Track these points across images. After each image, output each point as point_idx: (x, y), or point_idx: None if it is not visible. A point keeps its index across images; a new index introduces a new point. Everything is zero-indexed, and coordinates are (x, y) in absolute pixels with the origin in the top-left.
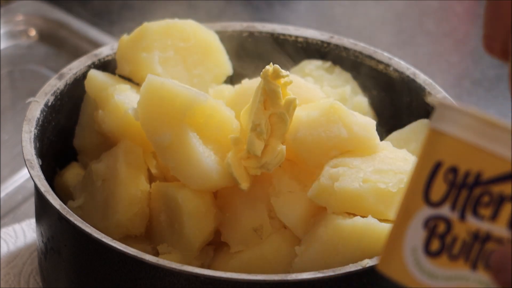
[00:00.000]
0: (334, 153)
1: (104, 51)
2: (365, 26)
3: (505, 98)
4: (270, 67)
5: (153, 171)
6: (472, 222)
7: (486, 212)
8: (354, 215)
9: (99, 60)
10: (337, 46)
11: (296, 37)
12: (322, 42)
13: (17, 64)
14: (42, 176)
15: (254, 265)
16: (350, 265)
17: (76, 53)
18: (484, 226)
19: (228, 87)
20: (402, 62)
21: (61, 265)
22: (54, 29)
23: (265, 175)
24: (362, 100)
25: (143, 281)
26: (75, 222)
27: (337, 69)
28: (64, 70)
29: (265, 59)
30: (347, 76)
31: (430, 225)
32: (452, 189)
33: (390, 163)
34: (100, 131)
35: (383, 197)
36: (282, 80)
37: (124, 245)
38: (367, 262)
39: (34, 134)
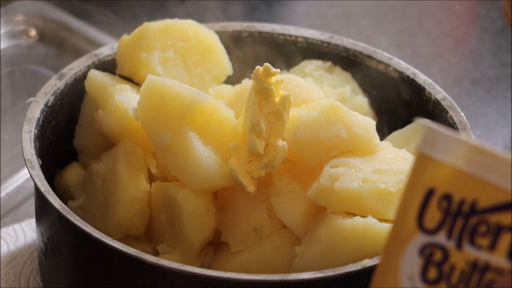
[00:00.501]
0: (334, 153)
1: (104, 51)
2: (365, 26)
3: (505, 98)
4: (260, 67)
5: (153, 171)
6: (470, 251)
7: (483, 241)
8: (354, 215)
9: (99, 60)
10: (337, 46)
11: (296, 37)
12: (322, 42)
13: (17, 64)
14: (42, 176)
15: (254, 265)
16: (350, 265)
17: (76, 53)
18: (483, 256)
19: (228, 87)
20: (402, 62)
21: (61, 265)
22: (54, 29)
23: (265, 175)
24: (362, 100)
25: (143, 281)
26: (75, 222)
27: (337, 69)
28: (64, 70)
29: (265, 59)
30: (347, 76)
31: (426, 252)
32: (447, 217)
33: (390, 163)
34: (100, 131)
35: (383, 197)
36: (274, 79)
37: (124, 245)
38: (367, 262)
39: (34, 134)
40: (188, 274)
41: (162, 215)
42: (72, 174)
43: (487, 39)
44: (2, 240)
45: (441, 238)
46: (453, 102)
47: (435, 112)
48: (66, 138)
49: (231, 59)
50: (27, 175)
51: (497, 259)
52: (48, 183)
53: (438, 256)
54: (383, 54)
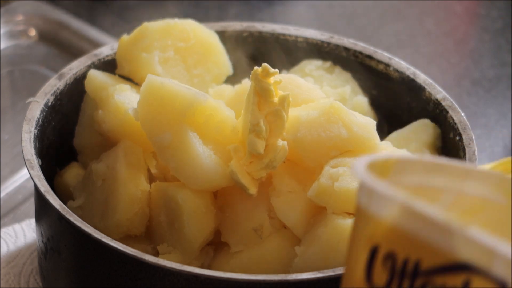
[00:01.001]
0: (334, 153)
1: (104, 51)
2: (365, 26)
3: (505, 98)
4: (258, 68)
5: (153, 171)
6: None
7: None
8: (354, 215)
9: (99, 60)
10: (337, 46)
11: (296, 37)
12: (322, 42)
13: (17, 64)
14: (42, 176)
15: (254, 265)
16: None
17: (76, 53)
18: None
19: (228, 87)
20: (402, 62)
21: (61, 265)
22: (54, 29)
23: (265, 175)
24: (362, 100)
25: (143, 281)
26: (75, 222)
27: (337, 69)
28: (64, 70)
29: (265, 59)
30: (347, 76)
31: None
32: (394, 277)
33: None
34: (100, 131)
35: None
36: (272, 79)
37: (124, 245)
38: None
39: (34, 134)
40: (188, 274)
41: (162, 215)
42: (72, 174)
43: (487, 39)
44: (2, 240)
45: None
46: (453, 102)
47: (435, 112)
48: (66, 138)
49: (231, 59)
50: (27, 175)
51: None
52: (48, 183)
53: None
54: (383, 54)
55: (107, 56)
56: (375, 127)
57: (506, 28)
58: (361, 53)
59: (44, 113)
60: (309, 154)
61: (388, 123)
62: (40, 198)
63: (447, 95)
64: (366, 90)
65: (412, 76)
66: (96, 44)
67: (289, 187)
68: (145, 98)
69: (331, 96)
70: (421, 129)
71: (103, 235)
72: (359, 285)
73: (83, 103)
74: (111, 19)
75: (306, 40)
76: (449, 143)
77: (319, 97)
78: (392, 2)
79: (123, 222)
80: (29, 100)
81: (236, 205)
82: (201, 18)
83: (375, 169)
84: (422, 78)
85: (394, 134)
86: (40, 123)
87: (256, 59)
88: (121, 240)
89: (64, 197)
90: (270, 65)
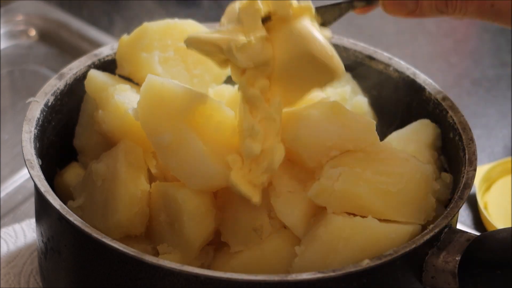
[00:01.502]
0: (334, 153)
1: (104, 51)
2: (365, 26)
3: (505, 98)
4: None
5: (153, 171)
6: None
7: None
8: (354, 215)
9: (99, 60)
10: (337, 46)
11: None
12: None
13: (17, 64)
14: (42, 176)
15: (254, 265)
16: (350, 265)
17: (76, 53)
18: None
19: (228, 87)
20: (402, 62)
21: (61, 265)
22: (54, 29)
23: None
24: (362, 100)
25: (143, 281)
26: (75, 222)
27: None
28: (64, 70)
29: None
30: (347, 76)
31: None
32: None
33: (390, 163)
34: (100, 131)
35: (383, 197)
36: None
37: (124, 245)
38: (367, 262)
39: (34, 134)
40: (188, 274)
41: (162, 215)
42: (72, 174)
43: (487, 39)
44: (2, 240)
45: None
46: (453, 102)
47: (435, 112)
48: (66, 138)
49: None
50: (27, 175)
51: None
52: (48, 183)
53: None
54: (383, 54)
55: (107, 56)
56: (375, 127)
57: (506, 28)
58: (361, 53)
59: (44, 113)
60: (309, 154)
61: (388, 123)
62: (40, 198)
63: (447, 95)
64: (366, 90)
65: (412, 76)
66: (96, 44)
67: (289, 187)
68: (145, 98)
69: (331, 96)
70: (421, 129)
71: (103, 235)
72: None
73: (83, 103)
74: (111, 19)
75: None
76: (449, 143)
77: (319, 97)
78: None
79: (123, 222)
80: (29, 100)
81: (236, 205)
82: (201, 18)
83: None
84: (422, 78)
85: (394, 134)
86: (40, 123)
87: None
88: (121, 240)
89: (64, 197)
90: None
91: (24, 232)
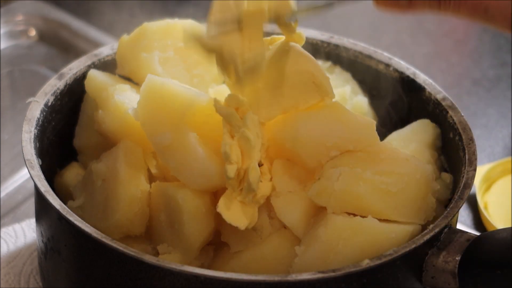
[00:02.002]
0: (334, 153)
1: (104, 51)
2: (365, 26)
3: (505, 98)
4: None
5: (153, 171)
6: None
7: None
8: (354, 215)
9: (99, 60)
10: (337, 46)
11: None
12: (322, 42)
13: (17, 64)
14: (42, 176)
15: (254, 265)
16: (350, 265)
17: (76, 53)
18: None
19: None
20: (402, 62)
21: (61, 265)
22: (54, 29)
23: (265, 175)
24: (362, 100)
25: (143, 281)
26: (75, 222)
27: (337, 69)
28: (64, 70)
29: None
30: (347, 76)
31: None
32: None
33: (390, 163)
34: (100, 131)
35: (383, 197)
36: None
37: (124, 245)
38: (367, 262)
39: (34, 134)
40: (188, 274)
41: (162, 215)
42: (72, 174)
43: (487, 39)
44: (2, 240)
45: None
46: (453, 102)
47: (435, 112)
48: (66, 138)
49: None
50: (27, 175)
51: None
52: (48, 183)
53: None
54: (383, 54)
55: (107, 56)
56: (375, 127)
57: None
58: (361, 53)
59: (44, 113)
60: (309, 154)
61: (388, 123)
62: (40, 198)
63: (447, 95)
64: (366, 90)
65: (412, 76)
66: (96, 44)
67: (289, 187)
68: (145, 98)
69: None
70: (421, 129)
71: (103, 235)
72: None
73: (83, 103)
74: (111, 19)
75: (306, 40)
76: (449, 143)
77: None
78: None
79: (123, 222)
80: (29, 100)
81: None
82: (201, 18)
83: None
84: (422, 78)
85: (394, 134)
86: (40, 123)
87: None
88: (121, 240)
89: (64, 197)
90: None
91: (24, 232)
